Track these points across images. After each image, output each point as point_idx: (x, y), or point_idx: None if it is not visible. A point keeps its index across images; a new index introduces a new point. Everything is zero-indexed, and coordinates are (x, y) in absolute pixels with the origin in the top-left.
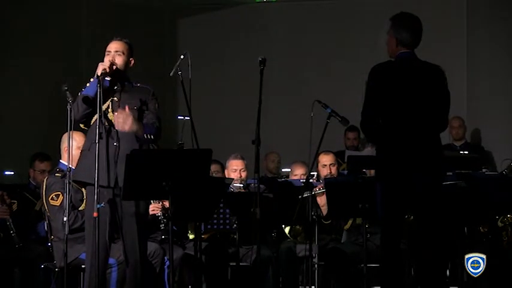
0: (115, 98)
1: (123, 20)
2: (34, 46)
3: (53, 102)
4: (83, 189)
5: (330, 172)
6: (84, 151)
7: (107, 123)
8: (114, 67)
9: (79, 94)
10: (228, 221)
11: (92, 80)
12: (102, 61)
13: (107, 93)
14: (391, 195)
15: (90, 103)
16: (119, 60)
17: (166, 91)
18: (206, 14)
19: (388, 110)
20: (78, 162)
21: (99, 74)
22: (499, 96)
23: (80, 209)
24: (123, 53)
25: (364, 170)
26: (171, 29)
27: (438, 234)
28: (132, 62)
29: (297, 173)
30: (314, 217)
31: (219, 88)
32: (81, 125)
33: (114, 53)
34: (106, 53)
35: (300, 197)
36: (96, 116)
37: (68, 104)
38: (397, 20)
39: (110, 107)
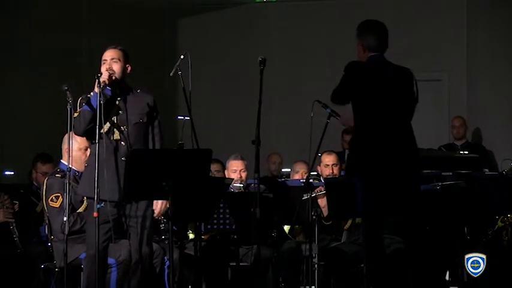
0: (120, 112)
1: (123, 20)
2: (34, 46)
3: (54, 102)
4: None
5: (332, 172)
6: (90, 166)
7: (113, 138)
8: (114, 77)
9: (78, 105)
10: (228, 221)
11: (91, 94)
12: (100, 70)
13: (111, 103)
14: (372, 190)
15: (93, 117)
16: (116, 67)
17: (166, 91)
18: (206, 14)
19: (364, 106)
20: (83, 176)
21: (97, 89)
22: (499, 96)
23: (79, 211)
24: (119, 60)
25: None
26: (171, 29)
27: (418, 228)
28: (129, 68)
29: (299, 171)
30: (314, 217)
31: (219, 88)
32: (85, 138)
33: (110, 61)
34: (102, 62)
35: (302, 199)
36: (105, 126)
37: (68, 104)
38: (361, 27)
39: (116, 121)
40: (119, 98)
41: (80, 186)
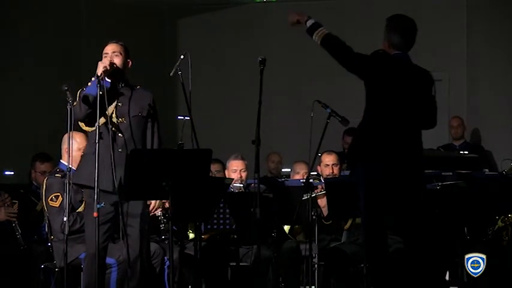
0: (119, 104)
1: (123, 20)
2: (35, 47)
3: (54, 102)
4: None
5: (332, 172)
6: (87, 155)
7: (112, 129)
8: (114, 65)
9: (78, 94)
10: (228, 221)
11: (92, 79)
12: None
13: (110, 95)
14: (376, 191)
15: (91, 103)
16: (117, 61)
17: (166, 91)
18: (206, 14)
19: (379, 103)
20: (79, 165)
21: (99, 74)
22: (499, 96)
23: (78, 210)
24: (121, 54)
25: None
26: (171, 29)
27: (419, 228)
28: (130, 63)
29: (299, 171)
30: (314, 217)
31: (219, 88)
32: (83, 124)
33: (112, 54)
34: (103, 56)
35: (302, 199)
36: (101, 120)
37: (68, 104)
38: (390, 22)
39: (115, 112)
40: (120, 90)
41: (76, 175)
